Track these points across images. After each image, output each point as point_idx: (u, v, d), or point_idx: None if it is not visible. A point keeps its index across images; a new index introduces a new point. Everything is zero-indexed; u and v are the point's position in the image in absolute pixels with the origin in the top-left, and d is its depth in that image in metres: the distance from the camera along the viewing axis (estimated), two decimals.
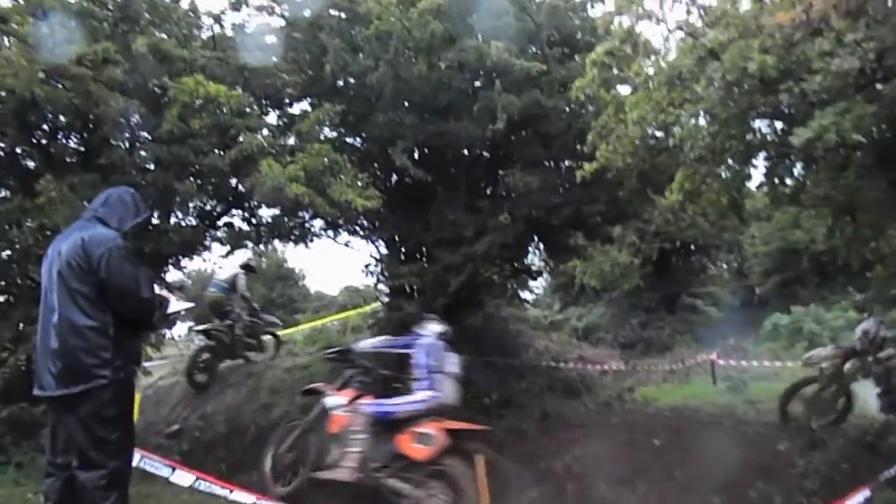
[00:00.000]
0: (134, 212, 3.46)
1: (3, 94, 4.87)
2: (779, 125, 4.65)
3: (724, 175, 5.28)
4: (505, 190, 7.27)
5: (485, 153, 7.90)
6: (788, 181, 4.88)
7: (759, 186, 5.79)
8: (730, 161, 5.07)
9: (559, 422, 7.88)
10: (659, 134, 5.43)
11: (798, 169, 4.83)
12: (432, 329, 5.56)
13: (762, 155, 5.10)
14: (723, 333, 18.35)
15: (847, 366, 6.57)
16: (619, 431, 7.55)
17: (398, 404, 5.25)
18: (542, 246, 9.27)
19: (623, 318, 21.03)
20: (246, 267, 9.21)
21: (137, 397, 4.04)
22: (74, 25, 5.23)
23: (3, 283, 5.66)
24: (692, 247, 20.94)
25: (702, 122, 4.52)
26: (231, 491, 3.95)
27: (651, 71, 5.07)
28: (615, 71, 4.87)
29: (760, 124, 4.74)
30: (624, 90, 6.21)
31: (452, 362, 5.46)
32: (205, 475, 4.10)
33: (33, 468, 4.52)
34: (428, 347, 5.38)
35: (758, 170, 5.36)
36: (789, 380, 10.80)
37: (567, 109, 7.09)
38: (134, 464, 4.04)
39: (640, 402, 9.43)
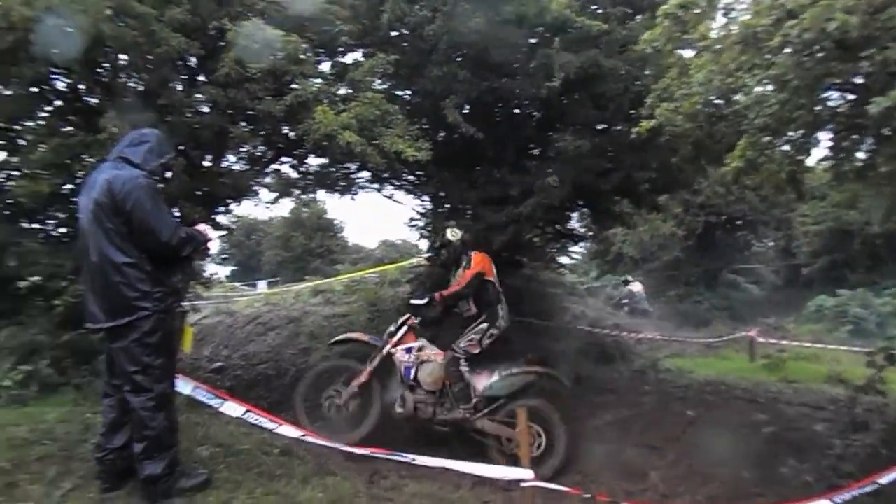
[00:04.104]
0: (158, 151, 3.63)
1: (71, 30, 4.95)
2: (851, 98, 4.46)
3: (786, 147, 5.10)
4: (555, 152, 7.15)
5: (536, 113, 7.78)
6: (860, 155, 4.68)
7: (822, 160, 5.60)
8: (792, 133, 4.89)
9: (592, 386, 7.92)
10: (719, 102, 5.26)
11: (867, 144, 4.64)
12: None
13: (828, 129, 4.91)
14: (763, 312, 18.09)
15: None
16: (651, 399, 7.57)
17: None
18: (586, 211, 9.18)
19: (660, 289, 20.82)
20: None
21: (190, 330, 4.21)
22: None
23: (64, 215, 5.88)
24: (738, 222, 20.42)
25: (769, 88, 4.36)
26: (279, 425, 4.13)
27: (717, 33, 4.89)
28: (683, 31, 4.69)
29: (832, 95, 4.55)
30: (687, 55, 6.02)
31: None
32: (254, 408, 4.29)
33: (90, 390, 4.79)
34: None
35: (820, 145, 5.19)
36: (830, 363, 10.70)
37: (624, 72, 6.89)
38: (187, 393, 4.26)
39: (675, 373, 9.40)
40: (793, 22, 3.72)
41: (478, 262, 5.97)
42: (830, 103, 4.69)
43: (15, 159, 5.59)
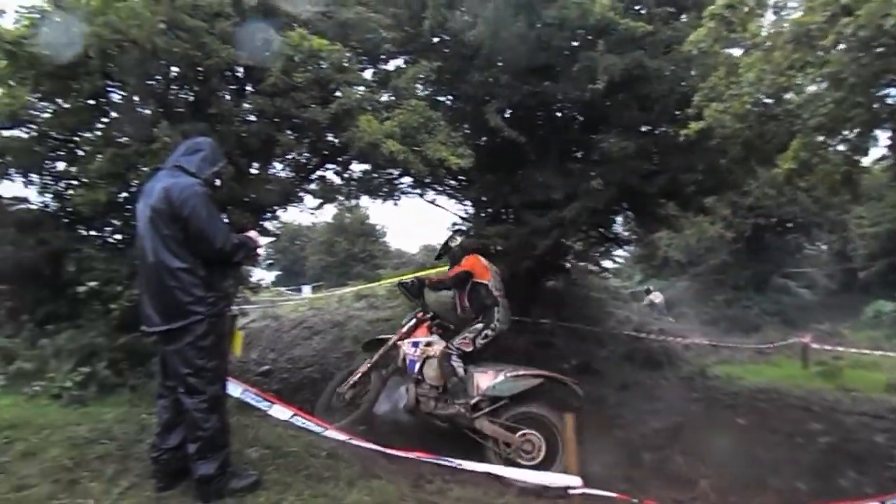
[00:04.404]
0: (211, 160, 3.73)
1: (127, 44, 5.14)
2: None
3: (840, 147, 4.93)
4: (598, 154, 7.07)
5: (579, 115, 7.72)
6: None
7: (880, 160, 5.41)
8: (848, 132, 4.72)
9: (638, 392, 7.80)
10: (768, 101, 5.12)
11: None
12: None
13: (886, 127, 4.72)
14: (817, 317, 17.50)
15: None
16: (700, 407, 7.41)
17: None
18: (631, 214, 9.05)
19: (707, 294, 20.33)
20: None
21: (240, 334, 4.29)
22: None
23: (120, 223, 6.08)
24: (790, 224, 19.75)
25: (823, 87, 4.22)
26: (325, 429, 4.18)
27: (767, 31, 4.76)
28: (730, 30, 4.58)
29: (890, 92, 4.37)
30: (734, 53, 5.88)
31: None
32: (301, 412, 4.36)
33: (145, 391, 4.93)
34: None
35: (878, 143, 5.00)
36: (890, 371, 10.26)
37: (669, 72, 6.77)
38: (237, 395, 4.36)
39: (724, 380, 9.17)
40: (848, 19, 3.60)
41: (468, 262, 5.99)
42: (889, 101, 4.52)
43: (74, 169, 5.81)
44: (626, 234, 9.98)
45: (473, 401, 5.48)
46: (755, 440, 6.34)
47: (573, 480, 3.67)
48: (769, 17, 4.83)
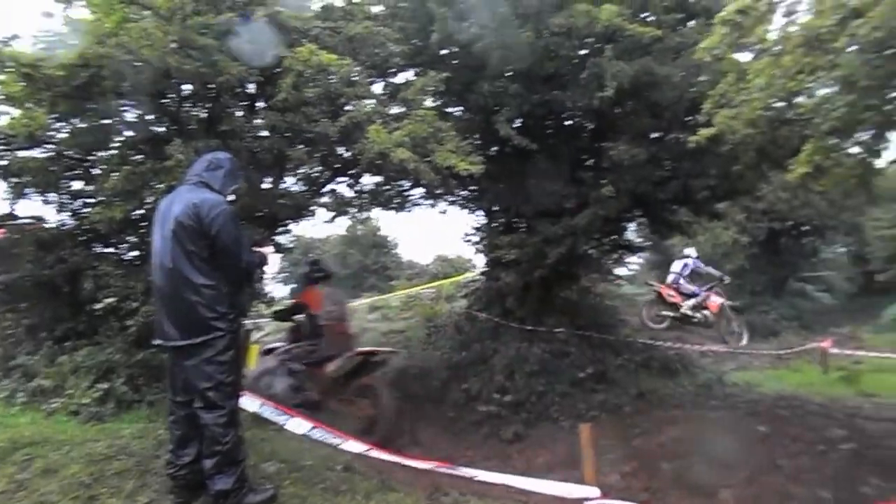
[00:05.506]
0: (233, 177, 3.73)
1: (140, 64, 5.22)
2: None
3: (854, 150, 4.89)
4: (609, 162, 7.05)
5: (589, 123, 7.71)
6: None
7: (893, 162, 5.35)
8: (861, 135, 4.68)
9: (655, 400, 7.71)
10: (779, 105, 5.09)
11: None
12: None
13: None
14: (835, 321, 17.25)
15: None
16: (719, 415, 7.31)
17: None
18: (644, 221, 9.00)
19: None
20: None
21: (254, 348, 4.31)
22: None
23: (135, 239, 6.15)
24: (805, 227, 19.50)
25: (835, 90, 4.19)
26: (343, 440, 4.18)
27: (777, 35, 4.74)
28: (741, 35, 4.56)
29: None
30: (743, 58, 5.86)
31: None
32: (319, 424, 4.36)
33: (162, 407, 4.92)
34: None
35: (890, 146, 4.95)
36: None
37: (679, 78, 6.75)
38: (252, 410, 4.36)
39: (743, 387, 9.04)
40: (859, 21, 3.57)
41: (305, 297, 7.22)
42: None
43: (90, 188, 5.90)
44: (640, 240, 9.93)
45: (322, 386, 6.51)
46: (776, 448, 6.23)
47: (591, 491, 3.63)
48: (777, 21, 4.82)
